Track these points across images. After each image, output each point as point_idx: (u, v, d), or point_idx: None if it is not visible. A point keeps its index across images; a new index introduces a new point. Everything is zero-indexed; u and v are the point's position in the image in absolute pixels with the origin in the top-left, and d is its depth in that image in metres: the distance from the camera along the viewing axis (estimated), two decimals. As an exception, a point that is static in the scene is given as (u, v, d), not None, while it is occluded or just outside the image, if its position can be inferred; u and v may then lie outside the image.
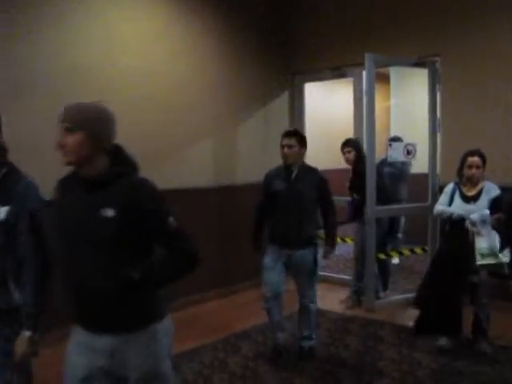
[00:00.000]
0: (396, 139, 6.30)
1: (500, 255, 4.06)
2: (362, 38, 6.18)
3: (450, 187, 4.45)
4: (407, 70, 7.55)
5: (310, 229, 4.20)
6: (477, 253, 4.12)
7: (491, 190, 4.25)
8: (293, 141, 4.14)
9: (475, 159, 4.26)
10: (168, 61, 5.54)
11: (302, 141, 4.20)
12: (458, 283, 4.21)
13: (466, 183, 4.33)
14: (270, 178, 4.31)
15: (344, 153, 5.77)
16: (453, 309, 4.28)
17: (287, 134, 4.21)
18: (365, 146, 5.67)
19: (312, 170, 4.29)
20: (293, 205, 4.13)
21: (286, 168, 4.21)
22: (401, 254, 6.47)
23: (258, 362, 4.23)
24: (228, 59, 6.17)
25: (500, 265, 4.08)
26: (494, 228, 4.11)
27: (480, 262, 4.11)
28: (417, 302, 4.51)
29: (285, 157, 4.17)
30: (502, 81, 5.27)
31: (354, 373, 4.02)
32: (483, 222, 4.10)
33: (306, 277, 4.23)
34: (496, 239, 4.11)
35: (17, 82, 4.41)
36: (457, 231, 4.26)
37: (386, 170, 6.35)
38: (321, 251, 4.33)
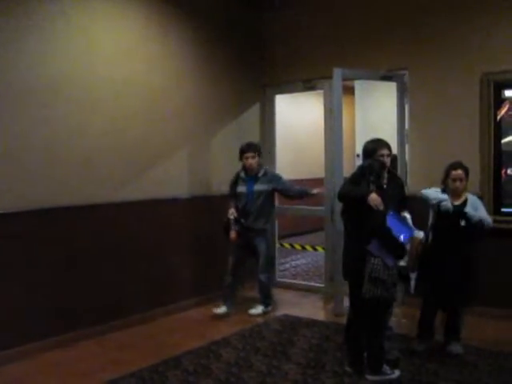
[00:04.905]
0: None
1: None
2: (331, 52, 6.39)
3: (438, 189, 4.54)
4: (371, 83, 7.77)
5: None
6: None
7: (474, 202, 4.44)
8: None
9: (459, 172, 4.41)
10: (145, 71, 5.59)
11: None
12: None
13: (450, 194, 4.47)
14: None
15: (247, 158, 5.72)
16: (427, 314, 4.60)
17: None
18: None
19: None
20: None
21: None
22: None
23: (241, 368, 4.29)
24: (203, 71, 6.26)
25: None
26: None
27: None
28: None
29: None
30: (468, 93, 5.52)
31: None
32: None
33: None
34: None
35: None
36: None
37: None
38: None
